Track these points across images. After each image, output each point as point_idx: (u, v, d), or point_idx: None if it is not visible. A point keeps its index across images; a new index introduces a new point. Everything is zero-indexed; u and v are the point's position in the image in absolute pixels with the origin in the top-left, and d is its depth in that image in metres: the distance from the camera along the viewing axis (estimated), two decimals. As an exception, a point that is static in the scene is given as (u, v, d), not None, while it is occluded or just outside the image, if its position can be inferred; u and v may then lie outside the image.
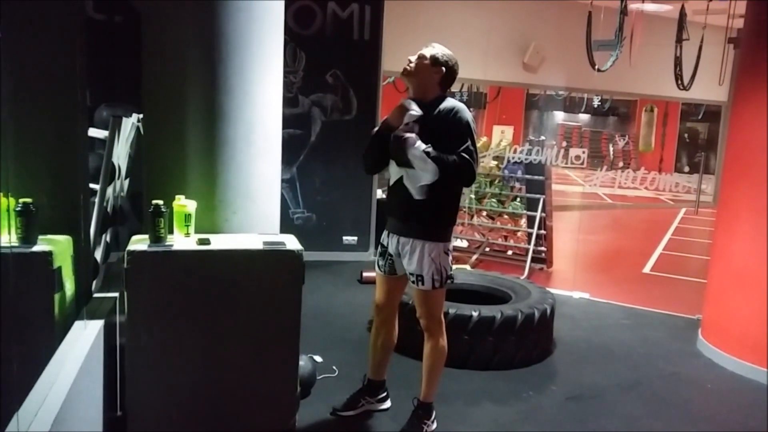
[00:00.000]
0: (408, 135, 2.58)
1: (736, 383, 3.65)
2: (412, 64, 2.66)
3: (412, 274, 2.71)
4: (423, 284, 2.68)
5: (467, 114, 2.63)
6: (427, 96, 2.67)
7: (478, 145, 6.52)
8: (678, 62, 7.50)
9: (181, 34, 2.71)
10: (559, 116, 20.72)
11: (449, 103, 2.66)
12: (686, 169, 18.21)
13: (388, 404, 3.05)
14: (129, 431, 2.50)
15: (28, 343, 2.03)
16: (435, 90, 2.69)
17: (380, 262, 2.86)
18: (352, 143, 5.92)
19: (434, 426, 2.86)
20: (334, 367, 3.43)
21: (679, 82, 7.62)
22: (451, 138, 2.58)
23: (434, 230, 2.68)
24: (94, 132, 3.34)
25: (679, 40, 7.41)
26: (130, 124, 3.43)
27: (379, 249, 2.88)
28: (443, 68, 2.66)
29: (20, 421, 1.55)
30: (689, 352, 4.11)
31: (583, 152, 18.69)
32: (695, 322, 4.45)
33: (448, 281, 2.74)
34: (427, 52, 2.67)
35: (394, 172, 2.73)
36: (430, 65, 2.65)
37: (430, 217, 2.67)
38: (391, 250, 2.79)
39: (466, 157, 2.55)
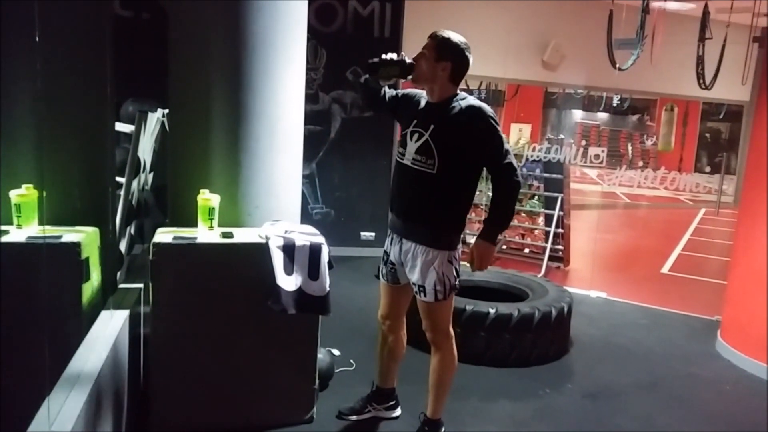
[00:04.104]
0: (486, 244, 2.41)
1: (756, 385, 3.62)
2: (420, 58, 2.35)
3: (414, 284, 2.50)
4: (425, 296, 2.46)
5: (488, 112, 2.34)
6: (435, 96, 2.40)
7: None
8: (700, 61, 7.40)
9: (207, 31, 2.76)
10: (578, 115, 20.53)
11: (466, 101, 2.36)
12: (707, 169, 17.97)
13: (397, 413, 2.92)
14: (152, 419, 2.56)
15: (58, 331, 2.09)
16: (447, 88, 2.38)
17: (383, 270, 2.65)
18: (372, 140, 5.95)
19: None
20: (351, 361, 3.46)
21: (701, 81, 7.53)
22: (483, 148, 2.34)
23: (440, 235, 2.42)
24: (120, 126, 3.40)
25: (702, 39, 7.31)
26: (155, 119, 3.49)
27: (383, 256, 2.66)
28: (449, 62, 2.34)
29: (50, 407, 1.60)
30: (708, 354, 4.09)
31: (602, 151, 18.53)
32: (714, 324, 4.42)
33: (454, 292, 2.50)
34: (432, 42, 2.33)
35: (408, 150, 2.38)
36: (434, 60, 2.33)
37: (437, 219, 2.41)
38: (393, 257, 2.58)
39: (510, 163, 2.32)
